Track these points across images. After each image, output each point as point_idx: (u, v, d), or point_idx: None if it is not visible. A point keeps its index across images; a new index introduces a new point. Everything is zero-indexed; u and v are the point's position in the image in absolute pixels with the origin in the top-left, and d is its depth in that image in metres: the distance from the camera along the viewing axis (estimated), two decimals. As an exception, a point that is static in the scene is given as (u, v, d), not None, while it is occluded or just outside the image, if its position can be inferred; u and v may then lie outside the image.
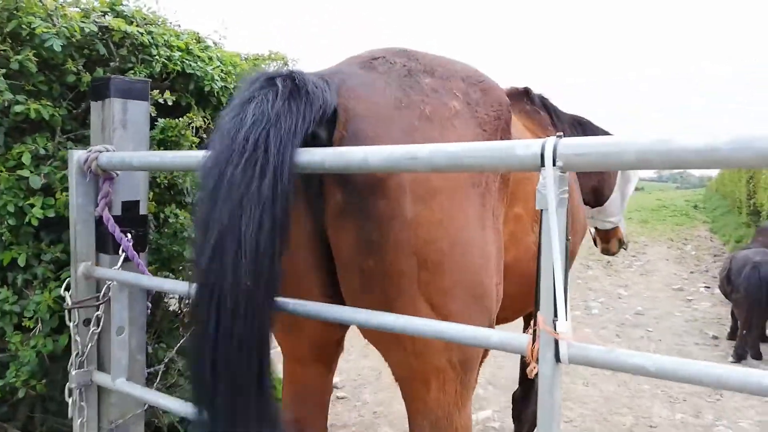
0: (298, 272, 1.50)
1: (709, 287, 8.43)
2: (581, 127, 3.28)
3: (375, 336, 1.56)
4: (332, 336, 1.73)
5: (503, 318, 2.10)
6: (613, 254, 3.86)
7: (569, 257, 1.42)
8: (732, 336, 5.81)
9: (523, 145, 1.04)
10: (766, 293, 5.31)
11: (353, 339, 5.69)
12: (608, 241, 3.74)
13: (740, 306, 5.52)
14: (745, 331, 5.39)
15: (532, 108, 2.88)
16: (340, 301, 1.48)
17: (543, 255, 1.02)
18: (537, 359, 1.03)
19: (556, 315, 1.01)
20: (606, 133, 3.36)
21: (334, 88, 1.40)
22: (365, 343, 5.51)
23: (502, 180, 1.62)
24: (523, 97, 2.88)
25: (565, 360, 1.00)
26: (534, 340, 1.04)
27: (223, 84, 2.62)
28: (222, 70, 2.67)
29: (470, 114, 1.55)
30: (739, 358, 5.33)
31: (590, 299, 7.88)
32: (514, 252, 1.78)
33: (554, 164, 1.00)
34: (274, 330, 1.35)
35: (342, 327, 1.69)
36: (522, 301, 1.93)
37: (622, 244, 3.75)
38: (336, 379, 4.47)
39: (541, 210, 1.03)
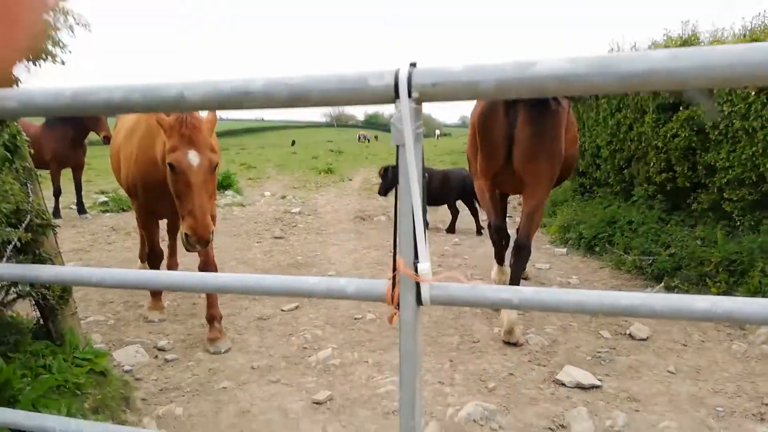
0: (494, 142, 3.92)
1: (510, 216, 9.47)
2: None
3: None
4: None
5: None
6: None
7: (568, 168, 4.52)
8: (450, 229, 8.82)
9: (376, 76, 0.94)
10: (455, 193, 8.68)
11: (179, 299, 5.28)
12: None
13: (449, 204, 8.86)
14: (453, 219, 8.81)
15: None
16: (511, 164, 3.95)
17: (401, 195, 0.95)
18: (398, 305, 0.98)
19: (416, 257, 0.96)
20: None
21: None
22: (192, 302, 5.15)
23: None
24: None
25: (427, 302, 0.96)
26: (394, 286, 0.98)
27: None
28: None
29: None
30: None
31: (414, 234, 8.36)
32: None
33: (409, 96, 0.92)
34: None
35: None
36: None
37: None
38: (162, 342, 4.15)
39: (397, 146, 0.95)
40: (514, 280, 4.12)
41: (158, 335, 4.36)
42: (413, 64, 0.94)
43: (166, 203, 3.97)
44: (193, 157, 3.44)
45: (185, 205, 3.47)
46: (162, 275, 1.23)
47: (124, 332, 4.46)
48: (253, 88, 0.98)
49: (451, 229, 8.79)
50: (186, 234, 3.45)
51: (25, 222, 2.52)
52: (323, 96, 0.95)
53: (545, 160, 3.88)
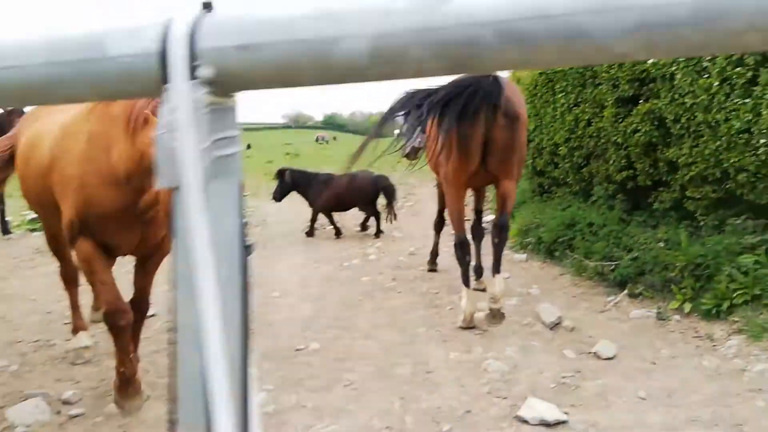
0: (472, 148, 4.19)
1: (469, 220, 9.10)
2: None
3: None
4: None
5: None
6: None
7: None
8: (363, 227, 8.94)
9: (126, 35, 0.46)
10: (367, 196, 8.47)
11: (98, 333, 4.50)
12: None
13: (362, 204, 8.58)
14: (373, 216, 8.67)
15: None
16: (485, 165, 4.30)
17: (179, 308, 0.47)
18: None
19: None
20: None
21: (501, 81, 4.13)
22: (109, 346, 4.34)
23: None
24: None
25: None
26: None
27: None
28: None
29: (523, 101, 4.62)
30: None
31: (368, 246, 7.89)
32: None
33: (192, 75, 0.44)
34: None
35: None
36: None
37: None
38: (69, 393, 3.54)
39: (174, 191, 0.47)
40: (497, 263, 4.41)
41: (67, 383, 3.75)
42: (207, 5, 0.47)
43: (129, 232, 3.02)
44: None
45: None
46: None
47: (28, 381, 3.83)
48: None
49: (363, 227, 8.85)
50: None
51: None
52: (5, 91, 0.47)
53: (517, 157, 4.38)
